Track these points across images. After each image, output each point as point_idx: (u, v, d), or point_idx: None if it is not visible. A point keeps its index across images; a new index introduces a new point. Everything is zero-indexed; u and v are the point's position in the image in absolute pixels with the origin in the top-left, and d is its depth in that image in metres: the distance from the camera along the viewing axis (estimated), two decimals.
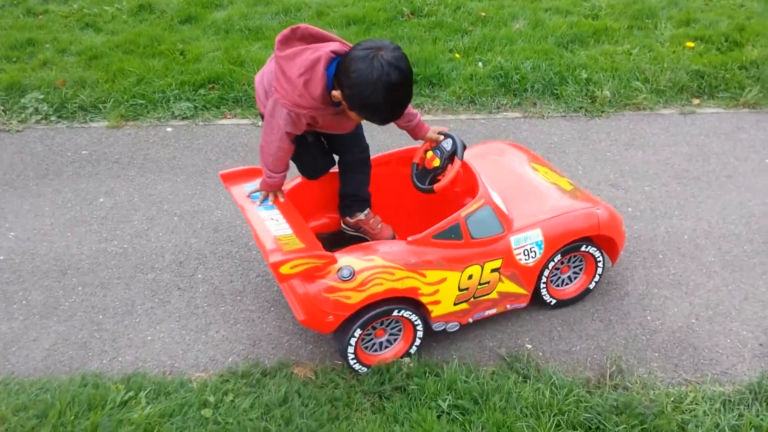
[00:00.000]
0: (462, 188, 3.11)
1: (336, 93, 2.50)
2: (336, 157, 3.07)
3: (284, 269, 2.52)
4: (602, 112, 4.92)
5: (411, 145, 3.17)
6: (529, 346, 3.01)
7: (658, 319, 3.16)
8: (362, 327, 2.73)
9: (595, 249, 3.14)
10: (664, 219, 3.80)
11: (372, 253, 2.70)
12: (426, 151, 2.99)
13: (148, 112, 4.95)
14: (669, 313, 3.19)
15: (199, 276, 3.40)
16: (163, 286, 3.34)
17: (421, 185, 2.95)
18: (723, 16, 6.13)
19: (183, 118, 4.90)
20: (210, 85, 5.16)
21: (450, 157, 2.87)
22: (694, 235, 3.68)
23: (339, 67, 2.48)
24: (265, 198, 2.87)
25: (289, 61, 2.51)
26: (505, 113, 4.97)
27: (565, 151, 4.47)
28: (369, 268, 2.65)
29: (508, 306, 3.07)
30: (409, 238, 2.76)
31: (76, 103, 4.97)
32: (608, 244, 3.21)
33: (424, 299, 2.80)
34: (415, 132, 2.94)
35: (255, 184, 2.93)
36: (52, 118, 4.87)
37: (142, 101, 5.00)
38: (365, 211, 3.09)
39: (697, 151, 4.45)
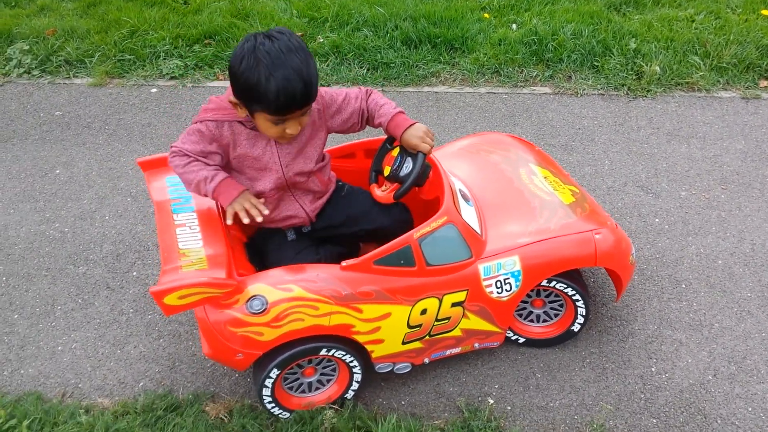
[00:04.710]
0: (430, 197, 2.52)
1: (232, 98, 2.05)
2: None
3: (170, 299, 2.01)
4: (648, 91, 4.17)
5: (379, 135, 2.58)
6: (491, 401, 2.44)
7: (665, 372, 2.54)
8: (281, 367, 2.23)
9: (568, 286, 2.49)
10: (697, 236, 3.12)
11: (292, 281, 2.16)
12: (394, 149, 2.40)
13: (135, 69, 4.50)
14: (680, 364, 2.57)
15: (134, 274, 2.96)
16: (92, 283, 2.93)
17: (371, 177, 2.45)
18: None
19: (171, 78, 4.44)
20: (206, 41, 4.66)
21: (399, 178, 2.30)
22: (731, 260, 2.99)
23: None
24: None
25: None
26: (533, 87, 4.28)
27: (594, 140, 3.78)
28: (286, 299, 2.12)
29: (477, 345, 2.52)
30: (344, 263, 2.21)
31: (61, 56, 4.57)
32: (613, 276, 2.60)
33: (360, 338, 2.27)
34: (388, 131, 2.34)
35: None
36: (35, 72, 4.50)
37: (130, 56, 4.55)
38: None
39: (754, 148, 3.68)
